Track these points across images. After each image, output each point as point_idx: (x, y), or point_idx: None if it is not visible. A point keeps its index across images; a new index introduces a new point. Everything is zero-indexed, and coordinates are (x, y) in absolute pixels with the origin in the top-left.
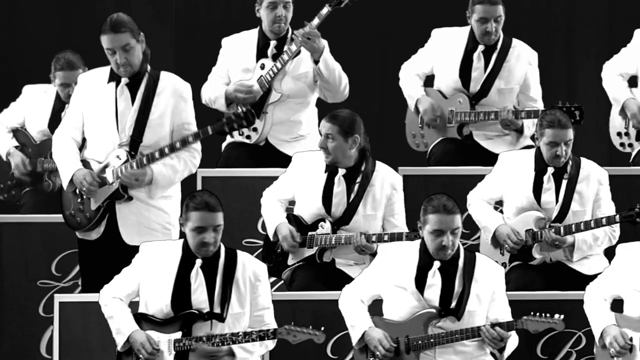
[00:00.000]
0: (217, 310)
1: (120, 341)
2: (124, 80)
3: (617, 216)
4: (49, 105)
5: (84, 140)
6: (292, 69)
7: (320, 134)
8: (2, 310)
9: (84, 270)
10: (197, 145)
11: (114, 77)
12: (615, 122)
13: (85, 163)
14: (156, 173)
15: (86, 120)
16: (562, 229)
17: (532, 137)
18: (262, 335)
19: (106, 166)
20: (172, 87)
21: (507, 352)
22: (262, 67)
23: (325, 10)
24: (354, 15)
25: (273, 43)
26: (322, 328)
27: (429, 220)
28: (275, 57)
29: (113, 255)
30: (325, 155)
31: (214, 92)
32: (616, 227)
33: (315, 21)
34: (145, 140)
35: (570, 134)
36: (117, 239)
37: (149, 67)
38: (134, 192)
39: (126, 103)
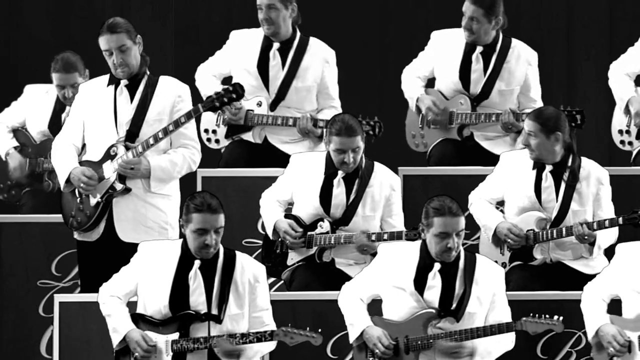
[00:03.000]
0: (214, 311)
1: (116, 340)
2: (123, 82)
3: (620, 218)
4: (49, 106)
5: (83, 146)
6: (297, 81)
7: None
8: (2, 310)
9: (83, 272)
10: (197, 144)
11: (113, 80)
12: (617, 120)
13: (83, 164)
14: (153, 165)
15: (87, 125)
16: (563, 229)
17: None
18: (260, 337)
19: (103, 162)
20: (171, 89)
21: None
22: (259, 104)
23: None
24: (354, 14)
25: (276, 45)
26: (320, 330)
27: (433, 223)
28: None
29: (112, 255)
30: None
31: (205, 85)
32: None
33: None
34: (142, 135)
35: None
36: (115, 239)
37: (147, 72)
38: (133, 184)
39: (125, 102)
